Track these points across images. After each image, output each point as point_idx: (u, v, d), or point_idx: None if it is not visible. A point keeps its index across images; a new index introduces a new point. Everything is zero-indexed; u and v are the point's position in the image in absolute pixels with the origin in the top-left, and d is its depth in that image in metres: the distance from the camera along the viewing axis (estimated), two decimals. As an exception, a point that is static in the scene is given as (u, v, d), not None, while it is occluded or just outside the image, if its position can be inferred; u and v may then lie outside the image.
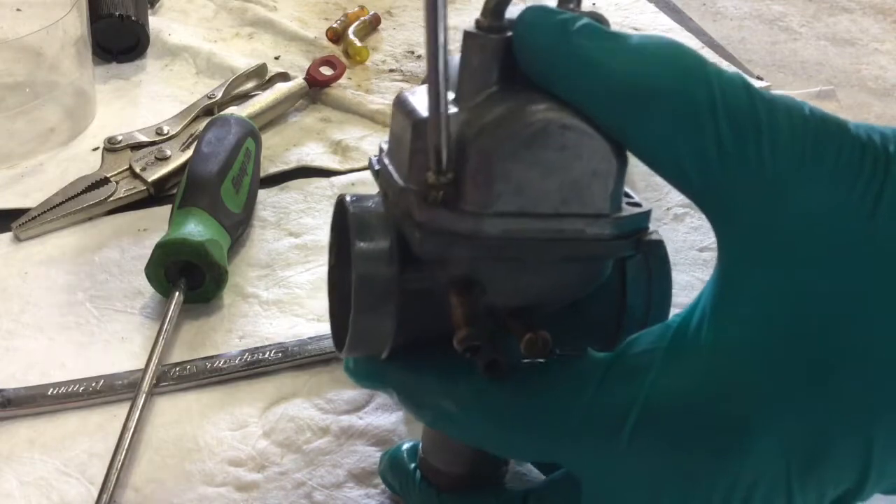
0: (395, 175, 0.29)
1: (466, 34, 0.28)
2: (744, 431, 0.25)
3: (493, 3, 0.27)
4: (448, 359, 0.28)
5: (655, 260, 0.32)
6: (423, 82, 0.31)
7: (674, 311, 0.30)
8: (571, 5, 0.28)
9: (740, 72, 0.26)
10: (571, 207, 0.27)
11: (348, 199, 0.30)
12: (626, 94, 0.25)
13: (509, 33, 0.27)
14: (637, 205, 0.29)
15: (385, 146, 0.31)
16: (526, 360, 0.29)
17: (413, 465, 0.36)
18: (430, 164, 0.26)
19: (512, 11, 0.28)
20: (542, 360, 0.29)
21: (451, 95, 0.28)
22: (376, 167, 0.31)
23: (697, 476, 0.25)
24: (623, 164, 0.27)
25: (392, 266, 0.28)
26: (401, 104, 0.29)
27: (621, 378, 0.27)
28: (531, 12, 0.27)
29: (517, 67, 0.27)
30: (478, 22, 0.28)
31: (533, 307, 0.29)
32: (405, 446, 0.37)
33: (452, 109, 0.27)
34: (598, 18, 0.27)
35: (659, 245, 0.29)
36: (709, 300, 0.26)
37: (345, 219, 0.29)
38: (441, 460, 0.35)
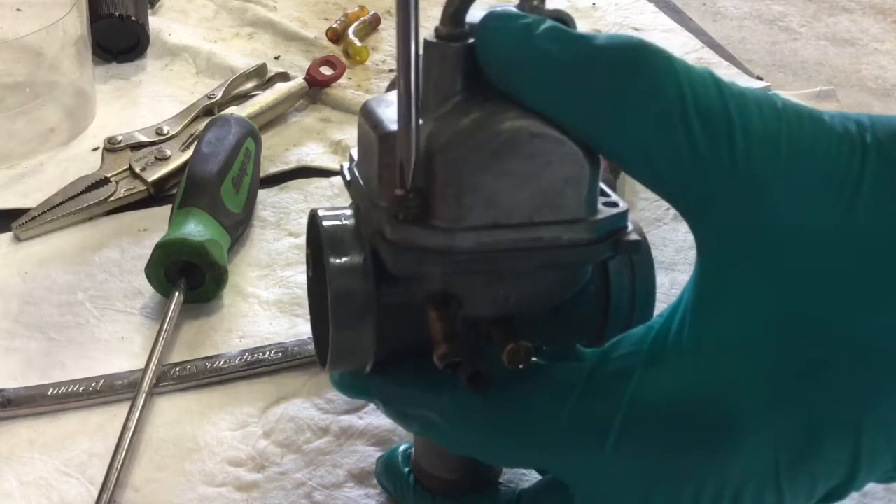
0: (365, 188, 0.28)
1: (427, 43, 0.27)
2: (730, 430, 0.24)
3: (451, 10, 0.26)
4: (431, 370, 0.28)
5: (638, 258, 0.31)
6: (388, 89, 0.31)
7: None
8: (535, 2, 0.27)
9: (709, 68, 0.26)
10: (545, 215, 0.26)
11: (321, 213, 0.29)
12: (594, 99, 0.25)
13: (471, 40, 0.26)
14: (614, 204, 0.28)
15: (355, 155, 0.30)
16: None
17: (407, 469, 0.36)
18: (397, 180, 0.26)
19: (473, 15, 0.27)
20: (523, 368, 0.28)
21: None
22: (347, 177, 0.30)
23: (687, 477, 0.25)
24: (595, 167, 0.27)
25: (367, 281, 0.28)
26: (367, 115, 0.28)
27: (603, 384, 0.26)
28: (493, 17, 0.26)
29: (481, 74, 0.26)
30: (437, 30, 0.27)
31: (513, 316, 0.28)
32: (400, 449, 0.37)
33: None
34: (561, 18, 0.27)
35: (638, 245, 0.28)
36: (689, 301, 0.26)
37: (318, 234, 0.29)
38: (433, 466, 0.35)
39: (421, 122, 0.26)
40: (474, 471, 0.34)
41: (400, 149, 0.25)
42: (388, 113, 0.27)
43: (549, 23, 0.25)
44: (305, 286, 0.34)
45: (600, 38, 0.25)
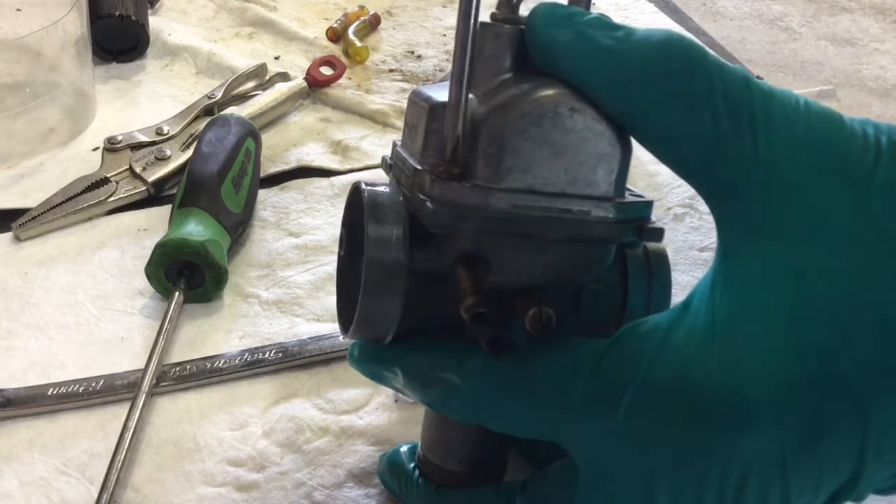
0: (410, 160, 0.30)
1: (483, 24, 0.29)
2: (740, 412, 0.25)
3: None
4: (451, 341, 0.30)
5: (657, 261, 0.32)
6: (442, 79, 0.33)
7: None
8: (581, 7, 0.30)
9: (743, 67, 0.27)
10: (577, 188, 0.28)
11: (363, 184, 0.31)
12: (629, 79, 0.27)
13: (522, 26, 0.29)
14: (640, 196, 0.30)
15: (398, 142, 0.33)
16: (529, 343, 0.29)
17: (412, 465, 0.36)
18: (445, 141, 0.28)
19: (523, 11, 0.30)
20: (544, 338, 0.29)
21: None
22: (389, 162, 0.32)
23: (693, 457, 0.26)
24: (627, 151, 0.29)
25: (403, 248, 0.29)
26: (416, 95, 0.31)
27: (622, 356, 0.27)
28: (543, 6, 0.29)
29: (529, 59, 0.29)
30: (493, 14, 0.30)
31: (536, 289, 0.29)
32: (403, 448, 0.37)
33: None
34: (603, 16, 0.29)
35: (661, 233, 0.30)
36: (709, 283, 0.27)
37: (359, 203, 0.30)
38: (440, 457, 0.35)
39: (471, 96, 0.28)
40: (481, 462, 0.35)
41: (451, 113, 0.28)
42: (435, 92, 0.30)
43: (593, 13, 0.28)
44: (306, 286, 0.34)
45: (640, 30, 0.27)
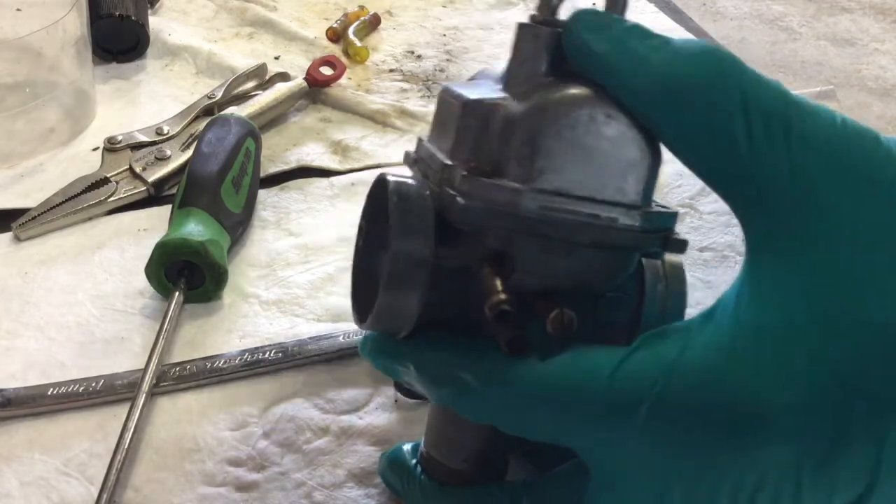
0: (439, 154, 0.30)
1: (521, 25, 0.30)
2: (761, 416, 0.25)
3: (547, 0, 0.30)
4: (467, 339, 0.30)
5: (674, 274, 0.33)
6: (470, 78, 0.34)
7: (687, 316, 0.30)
8: (617, 12, 0.30)
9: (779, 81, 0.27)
10: (606, 194, 0.28)
11: (390, 176, 0.31)
12: (665, 88, 0.27)
13: (560, 30, 0.29)
14: (666, 208, 0.30)
15: (423, 137, 0.33)
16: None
17: (414, 462, 0.36)
18: (477, 138, 0.28)
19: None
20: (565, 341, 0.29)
21: (498, 86, 0.30)
22: (413, 156, 0.33)
23: (708, 464, 0.26)
24: (657, 161, 0.29)
25: (429, 242, 0.29)
26: (447, 92, 0.31)
27: (643, 360, 0.27)
28: (582, 11, 0.29)
29: (565, 63, 0.29)
30: (533, 17, 0.30)
31: (559, 292, 0.29)
32: (406, 446, 0.37)
33: (501, 94, 0.29)
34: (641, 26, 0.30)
35: (685, 245, 0.30)
36: (734, 292, 0.27)
37: (383, 194, 0.30)
38: (445, 454, 0.35)
39: (506, 95, 0.29)
40: (485, 461, 0.35)
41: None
42: (467, 90, 0.30)
43: (632, 22, 0.29)
44: (306, 286, 0.34)
45: (677, 40, 0.28)
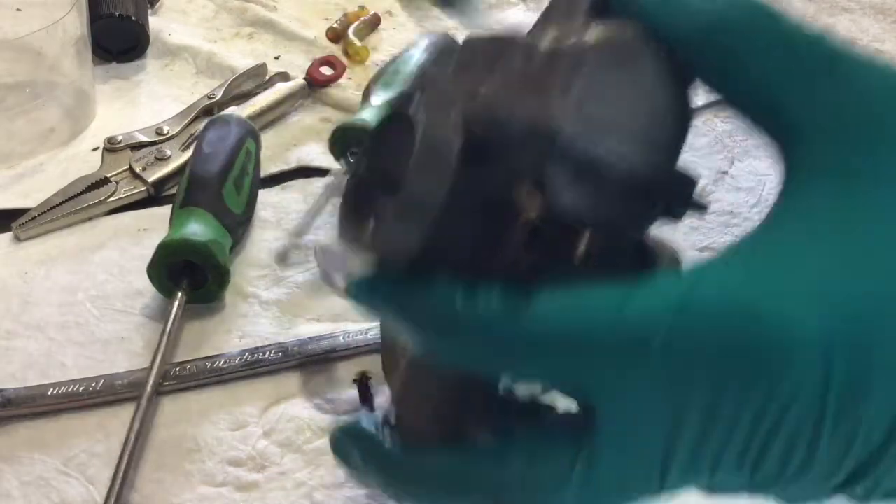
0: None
1: None
2: (786, 337, 0.23)
3: None
4: (471, 282, 0.28)
5: (670, 256, 0.32)
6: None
7: None
8: None
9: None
10: (638, 138, 0.29)
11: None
12: (709, 27, 0.28)
13: None
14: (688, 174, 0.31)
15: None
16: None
17: (377, 428, 0.33)
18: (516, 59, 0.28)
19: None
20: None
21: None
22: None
23: (726, 398, 0.24)
24: (689, 118, 0.29)
25: (458, 129, 0.28)
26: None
27: (653, 293, 0.26)
28: None
29: (607, 8, 0.30)
30: None
31: (581, 228, 0.29)
32: (362, 419, 0.33)
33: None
34: None
35: (705, 208, 0.30)
36: (761, 223, 0.27)
37: (408, 101, 0.30)
38: (416, 413, 0.33)
39: (548, 29, 0.29)
40: (456, 420, 0.33)
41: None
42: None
43: None
44: (306, 286, 0.34)
45: None
